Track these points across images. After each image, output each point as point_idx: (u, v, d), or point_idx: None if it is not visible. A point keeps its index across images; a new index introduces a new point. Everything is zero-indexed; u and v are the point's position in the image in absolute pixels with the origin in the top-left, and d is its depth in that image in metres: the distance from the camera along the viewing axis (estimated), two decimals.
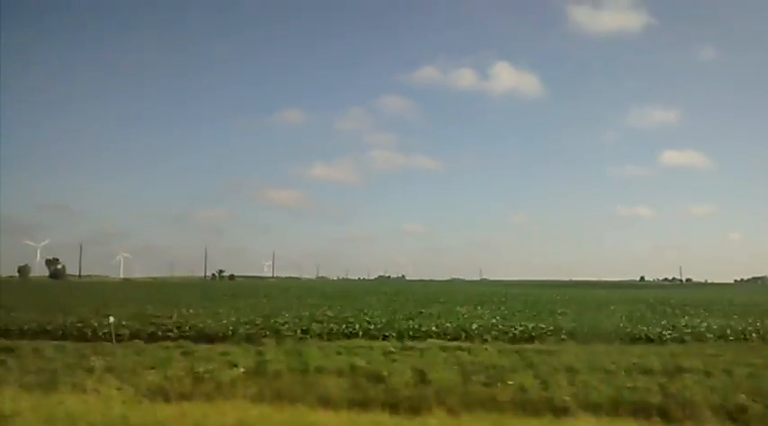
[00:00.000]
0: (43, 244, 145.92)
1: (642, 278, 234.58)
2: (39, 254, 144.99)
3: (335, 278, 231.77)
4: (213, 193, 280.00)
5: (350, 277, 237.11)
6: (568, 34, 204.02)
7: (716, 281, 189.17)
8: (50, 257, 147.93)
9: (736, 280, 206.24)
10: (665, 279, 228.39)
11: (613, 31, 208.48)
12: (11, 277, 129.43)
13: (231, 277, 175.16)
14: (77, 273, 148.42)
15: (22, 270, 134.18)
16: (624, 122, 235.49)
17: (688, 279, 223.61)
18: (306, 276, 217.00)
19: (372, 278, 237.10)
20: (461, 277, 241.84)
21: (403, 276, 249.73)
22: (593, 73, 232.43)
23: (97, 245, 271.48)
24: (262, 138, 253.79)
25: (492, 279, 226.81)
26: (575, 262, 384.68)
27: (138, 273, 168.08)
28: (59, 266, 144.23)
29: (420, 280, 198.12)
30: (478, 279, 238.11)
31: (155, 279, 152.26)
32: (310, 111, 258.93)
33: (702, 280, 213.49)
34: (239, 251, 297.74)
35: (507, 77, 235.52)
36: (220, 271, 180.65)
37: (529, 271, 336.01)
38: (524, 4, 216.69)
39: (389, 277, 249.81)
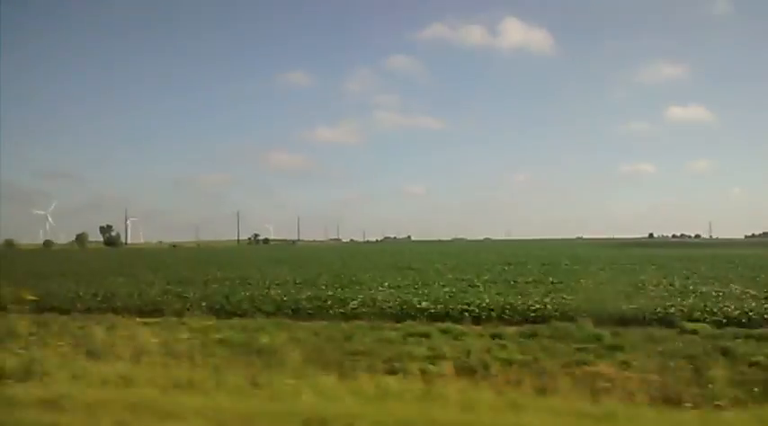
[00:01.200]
0: (51, 209, 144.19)
1: (651, 235, 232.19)
2: (49, 220, 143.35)
3: (348, 240, 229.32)
4: (216, 158, 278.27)
5: (355, 239, 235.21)
6: None
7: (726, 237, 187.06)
8: (104, 224, 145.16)
9: (746, 236, 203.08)
10: (674, 236, 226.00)
11: None
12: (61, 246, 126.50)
13: (266, 240, 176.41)
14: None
15: (81, 239, 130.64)
16: (632, 79, 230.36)
17: (696, 236, 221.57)
18: (318, 239, 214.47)
19: (379, 239, 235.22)
20: (464, 236, 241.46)
21: (409, 237, 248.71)
22: (607, 29, 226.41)
23: (97, 212, 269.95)
24: (267, 102, 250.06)
25: (495, 238, 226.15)
26: (577, 220, 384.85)
27: (144, 238, 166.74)
28: (113, 233, 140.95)
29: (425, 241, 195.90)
30: (482, 238, 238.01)
31: (198, 244, 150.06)
32: (317, 73, 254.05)
33: (709, 236, 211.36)
34: (241, 215, 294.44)
35: (516, 33, 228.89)
36: (256, 235, 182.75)
37: (531, 230, 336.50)
38: None
39: (395, 238, 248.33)
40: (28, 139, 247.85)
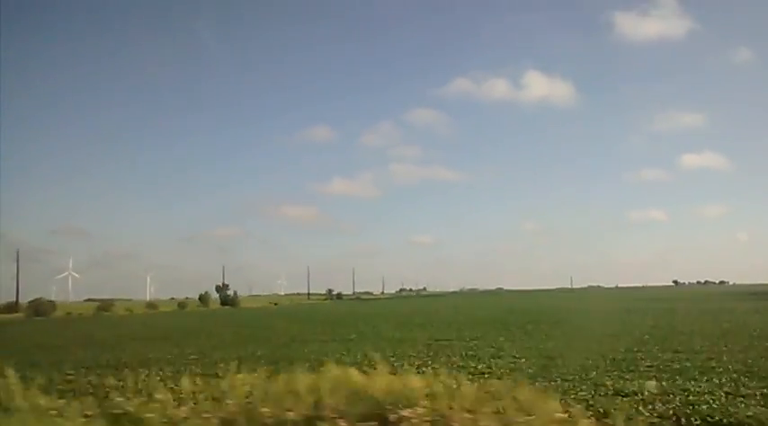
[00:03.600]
0: (70, 265, 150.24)
1: (676, 282, 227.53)
2: (70, 280, 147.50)
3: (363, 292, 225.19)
4: (227, 211, 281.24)
5: (372, 291, 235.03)
6: (613, 42, 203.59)
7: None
8: (220, 283, 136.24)
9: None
10: (698, 283, 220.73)
11: (657, 38, 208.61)
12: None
13: (339, 296, 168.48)
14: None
15: (204, 298, 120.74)
16: (647, 127, 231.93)
17: (721, 282, 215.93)
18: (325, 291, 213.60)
19: (393, 292, 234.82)
20: (476, 287, 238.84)
21: (424, 288, 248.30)
22: (627, 79, 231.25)
23: (106, 268, 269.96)
24: (286, 156, 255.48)
25: (507, 288, 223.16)
26: (585, 268, 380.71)
27: (163, 294, 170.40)
28: (229, 292, 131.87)
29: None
30: (494, 288, 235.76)
31: (274, 302, 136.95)
32: (338, 127, 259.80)
33: (732, 283, 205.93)
34: (250, 268, 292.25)
35: (539, 86, 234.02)
36: (329, 291, 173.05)
37: (543, 280, 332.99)
38: (569, 15, 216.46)
39: (410, 290, 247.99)
40: (35, 195, 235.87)
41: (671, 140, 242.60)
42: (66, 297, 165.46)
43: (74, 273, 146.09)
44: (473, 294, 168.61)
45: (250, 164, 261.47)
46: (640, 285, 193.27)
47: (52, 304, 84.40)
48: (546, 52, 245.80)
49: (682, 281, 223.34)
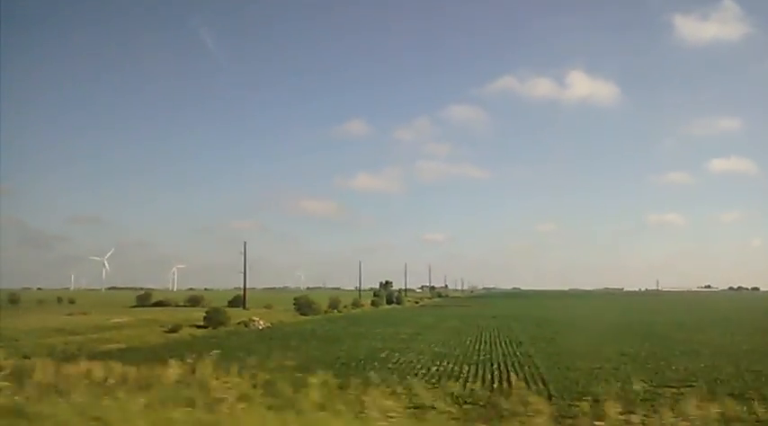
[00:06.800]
0: (108, 255, 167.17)
1: (708, 286, 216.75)
2: (106, 267, 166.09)
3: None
4: (247, 204, 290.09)
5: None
6: (669, 44, 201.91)
7: None
8: (383, 280, 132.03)
9: None
10: (730, 288, 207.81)
11: (713, 41, 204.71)
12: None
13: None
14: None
15: (376, 302, 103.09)
16: (684, 130, 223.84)
17: (755, 288, 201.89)
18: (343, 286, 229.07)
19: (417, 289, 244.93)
20: (495, 286, 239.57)
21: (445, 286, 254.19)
22: (673, 82, 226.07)
23: (121, 256, 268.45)
24: (315, 150, 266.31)
25: (524, 288, 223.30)
26: (600, 270, 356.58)
27: (190, 284, 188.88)
28: (394, 292, 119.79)
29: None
30: (510, 288, 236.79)
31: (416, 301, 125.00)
32: (374, 122, 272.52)
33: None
34: (265, 261, 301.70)
35: (582, 86, 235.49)
36: (386, 282, 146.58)
37: (561, 280, 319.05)
38: (627, 15, 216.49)
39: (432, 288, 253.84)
40: (54, 184, 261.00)
41: (703, 144, 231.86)
42: (98, 284, 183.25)
43: (106, 263, 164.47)
44: (515, 294, 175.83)
45: (275, 158, 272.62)
46: (678, 289, 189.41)
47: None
48: (594, 52, 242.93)
49: (714, 286, 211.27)
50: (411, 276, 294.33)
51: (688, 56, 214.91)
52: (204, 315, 49.89)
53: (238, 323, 51.23)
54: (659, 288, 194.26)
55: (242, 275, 78.08)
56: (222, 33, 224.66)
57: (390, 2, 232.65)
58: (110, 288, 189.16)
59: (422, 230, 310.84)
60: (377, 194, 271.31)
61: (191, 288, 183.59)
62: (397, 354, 31.17)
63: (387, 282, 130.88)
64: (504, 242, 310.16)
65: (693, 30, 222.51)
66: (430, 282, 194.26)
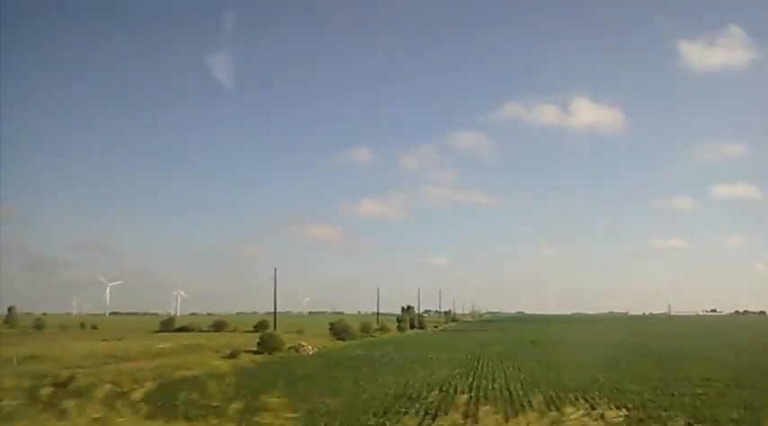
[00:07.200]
0: (117, 283, 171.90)
1: (714, 310, 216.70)
2: (108, 292, 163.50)
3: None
4: (252, 230, 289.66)
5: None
6: (676, 70, 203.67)
7: None
8: (405, 305, 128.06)
9: None
10: (736, 312, 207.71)
11: (719, 67, 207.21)
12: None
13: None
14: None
15: (401, 327, 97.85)
16: (688, 155, 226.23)
17: (761, 312, 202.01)
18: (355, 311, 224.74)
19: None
20: (497, 310, 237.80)
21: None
22: (679, 108, 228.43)
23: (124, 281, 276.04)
24: (320, 177, 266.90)
25: (528, 312, 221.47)
26: (602, 294, 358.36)
27: (189, 310, 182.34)
28: (416, 316, 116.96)
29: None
30: (514, 312, 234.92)
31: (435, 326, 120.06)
32: (379, 149, 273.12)
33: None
34: (267, 286, 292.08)
35: (588, 113, 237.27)
36: (408, 307, 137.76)
37: (554, 305, 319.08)
38: (634, 42, 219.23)
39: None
40: (59, 211, 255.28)
41: (707, 170, 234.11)
42: (101, 309, 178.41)
43: (108, 292, 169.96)
44: (522, 318, 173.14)
45: (280, 184, 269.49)
46: (684, 313, 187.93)
47: None
48: (600, 78, 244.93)
49: (720, 310, 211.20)
50: (416, 300, 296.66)
51: (694, 82, 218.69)
52: (258, 340, 47.63)
53: (289, 349, 48.91)
54: (670, 312, 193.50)
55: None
56: (228, 59, 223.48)
57: (395, 30, 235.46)
58: (112, 313, 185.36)
59: (426, 255, 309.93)
60: (381, 220, 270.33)
61: (193, 313, 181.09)
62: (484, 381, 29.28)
63: (409, 307, 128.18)
64: (508, 266, 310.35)
65: (699, 56, 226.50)
66: (440, 307, 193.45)
